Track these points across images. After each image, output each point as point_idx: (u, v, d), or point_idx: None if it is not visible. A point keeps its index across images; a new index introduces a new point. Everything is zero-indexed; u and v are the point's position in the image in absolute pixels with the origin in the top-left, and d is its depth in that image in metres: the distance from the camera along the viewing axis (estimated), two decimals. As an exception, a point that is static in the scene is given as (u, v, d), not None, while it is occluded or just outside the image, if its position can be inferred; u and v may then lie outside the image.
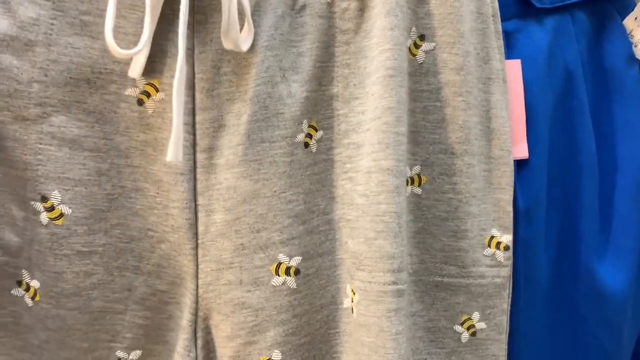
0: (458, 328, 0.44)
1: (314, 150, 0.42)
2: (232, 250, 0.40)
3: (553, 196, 0.48)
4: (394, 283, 0.40)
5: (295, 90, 0.40)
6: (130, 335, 0.43)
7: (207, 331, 0.41)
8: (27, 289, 0.41)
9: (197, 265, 0.41)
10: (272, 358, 0.41)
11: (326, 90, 0.41)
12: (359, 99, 0.41)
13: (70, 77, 0.39)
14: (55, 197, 0.39)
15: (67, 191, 0.39)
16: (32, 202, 0.39)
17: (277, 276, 0.41)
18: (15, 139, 0.38)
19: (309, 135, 0.41)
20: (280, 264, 0.41)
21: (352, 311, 0.42)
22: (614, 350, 0.50)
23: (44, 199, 0.39)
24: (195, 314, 0.41)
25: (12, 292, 0.41)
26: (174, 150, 0.37)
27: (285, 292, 0.41)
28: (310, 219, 0.42)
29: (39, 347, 0.42)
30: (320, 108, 0.42)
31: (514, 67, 0.45)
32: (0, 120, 0.38)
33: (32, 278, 0.41)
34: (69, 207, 0.40)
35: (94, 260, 0.41)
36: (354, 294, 0.42)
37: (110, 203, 0.40)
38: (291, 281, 0.41)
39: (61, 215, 0.40)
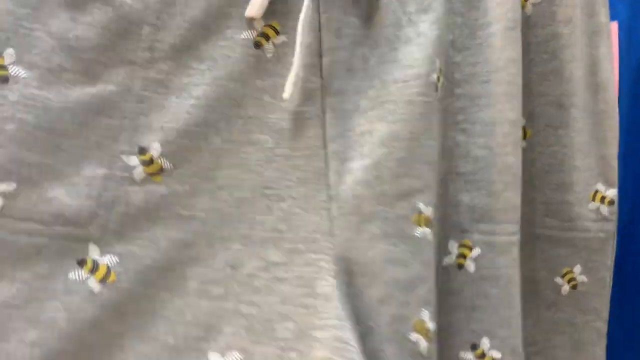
0: (559, 280, 0.45)
1: (439, 97, 0.39)
2: (373, 199, 0.36)
3: (626, 163, 0.50)
4: (517, 233, 0.40)
5: (424, 30, 0.38)
6: (229, 330, 0.35)
7: (353, 297, 0.35)
8: (94, 270, 0.34)
9: (331, 221, 0.36)
10: (423, 318, 0.36)
11: (445, 37, 0.40)
12: (470, 50, 0.40)
13: (184, 21, 0.35)
14: (155, 148, 0.35)
15: (170, 143, 0.35)
16: (124, 156, 0.35)
17: (419, 227, 0.37)
18: (117, 84, 0.35)
19: (438, 79, 0.38)
20: (420, 213, 0.37)
21: (461, 267, 0.41)
22: None
23: (143, 150, 0.35)
24: (338, 279, 0.35)
25: (69, 276, 0.34)
26: (290, 88, 0.35)
27: (426, 245, 0.37)
28: (438, 166, 0.39)
29: (108, 347, 0.34)
30: (441, 53, 0.39)
31: (611, 29, 0.46)
32: (103, 61, 0.35)
33: (106, 253, 0.34)
34: (170, 162, 0.35)
35: (195, 228, 0.35)
36: (469, 249, 0.41)
37: (218, 159, 0.36)
38: (428, 233, 0.37)
39: (161, 170, 0.35)
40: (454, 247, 0.41)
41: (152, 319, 0.34)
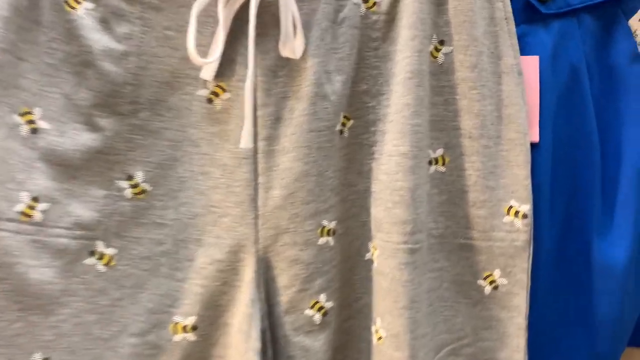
0: (481, 282, 0.52)
1: (346, 135, 0.50)
2: (287, 219, 0.49)
3: (558, 179, 0.55)
4: (405, 243, 0.49)
5: (338, 89, 0.49)
6: (188, 302, 0.49)
7: (267, 284, 0.50)
8: (101, 258, 0.48)
9: (257, 232, 0.49)
10: (319, 300, 0.51)
11: (358, 87, 0.50)
12: (385, 95, 0.50)
13: (155, 81, 0.47)
14: (139, 176, 0.48)
15: (148, 172, 0.48)
16: (117, 181, 0.48)
17: (322, 237, 0.50)
18: (110, 129, 0.47)
19: (343, 124, 0.50)
20: (323, 227, 0.50)
21: (373, 262, 0.52)
22: (614, 318, 0.57)
23: (130, 177, 0.48)
24: (258, 271, 0.49)
25: (85, 261, 0.48)
26: (245, 139, 0.47)
27: (326, 249, 0.50)
28: (343, 190, 0.51)
29: (110, 306, 0.49)
30: (353, 101, 0.50)
31: (532, 63, 0.53)
32: (99, 114, 0.47)
33: (108, 246, 0.48)
34: (150, 185, 0.48)
35: (165, 232, 0.49)
36: (375, 249, 0.51)
37: (181, 184, 0.49)
38: (330, 240, 0.51)
39: (143, 191, 0.48)
40: (370, 247, 0.52)
41: (139, 291, 0.49)
